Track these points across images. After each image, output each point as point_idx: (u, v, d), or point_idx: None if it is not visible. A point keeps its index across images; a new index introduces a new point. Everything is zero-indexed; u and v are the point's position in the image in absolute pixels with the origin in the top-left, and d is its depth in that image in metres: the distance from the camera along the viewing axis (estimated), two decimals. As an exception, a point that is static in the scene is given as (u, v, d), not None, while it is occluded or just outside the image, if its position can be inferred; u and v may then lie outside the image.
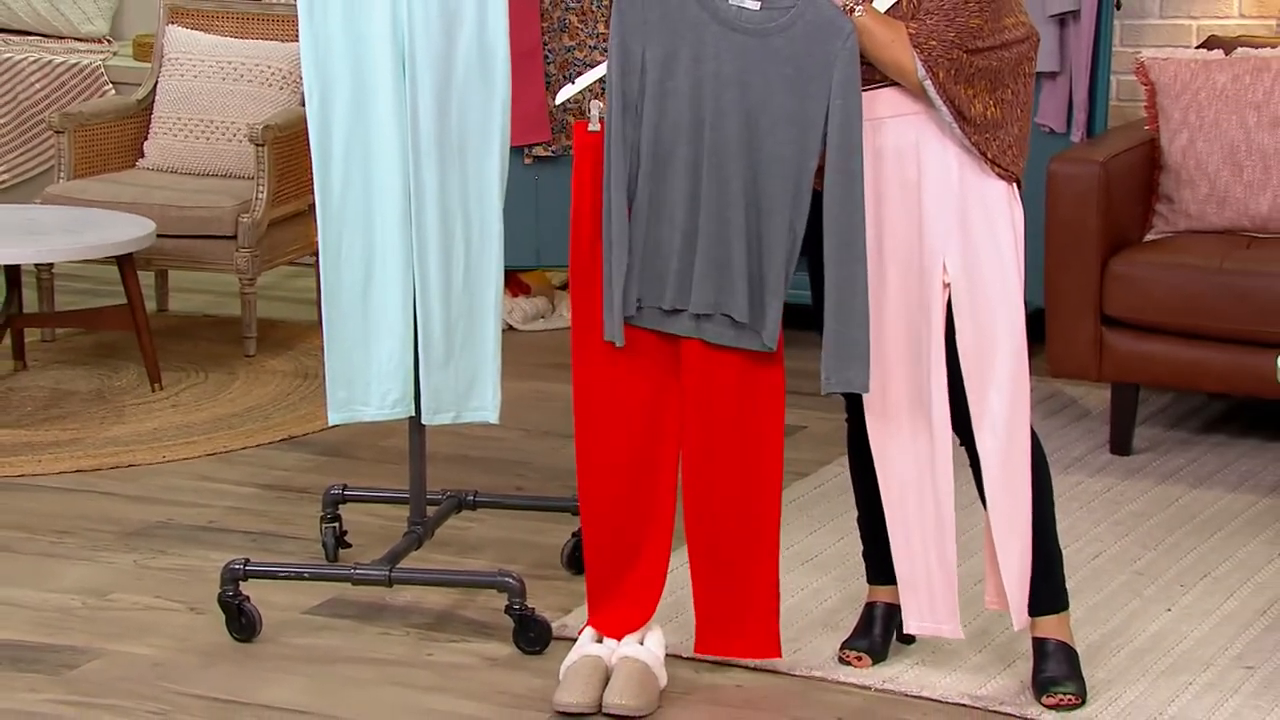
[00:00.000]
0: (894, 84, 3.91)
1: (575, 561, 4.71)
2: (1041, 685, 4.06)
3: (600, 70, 4.02)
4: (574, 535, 4.72)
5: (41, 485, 5.30)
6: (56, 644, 4.35)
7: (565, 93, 4.12)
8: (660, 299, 3.98)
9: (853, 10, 3.85)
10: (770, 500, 4.06)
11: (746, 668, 4.23)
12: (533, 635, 4.31)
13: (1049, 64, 6.03)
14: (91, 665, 4.25)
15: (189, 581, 4.67)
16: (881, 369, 3.97)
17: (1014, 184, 3.94)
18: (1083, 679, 4.07)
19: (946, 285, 3.94)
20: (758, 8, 3.86)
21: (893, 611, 4.23)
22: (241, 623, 4.36)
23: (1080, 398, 6.01)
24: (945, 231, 3.92)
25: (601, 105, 3.96)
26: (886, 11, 3.88)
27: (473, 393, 4.40)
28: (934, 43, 3.82)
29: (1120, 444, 5.54)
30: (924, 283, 3.96)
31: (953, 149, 3.91)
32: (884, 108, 3.92)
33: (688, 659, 4.25)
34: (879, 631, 4.23)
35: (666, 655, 4.19)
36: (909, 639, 4.27)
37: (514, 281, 6.84)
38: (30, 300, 6.52)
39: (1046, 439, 5.38)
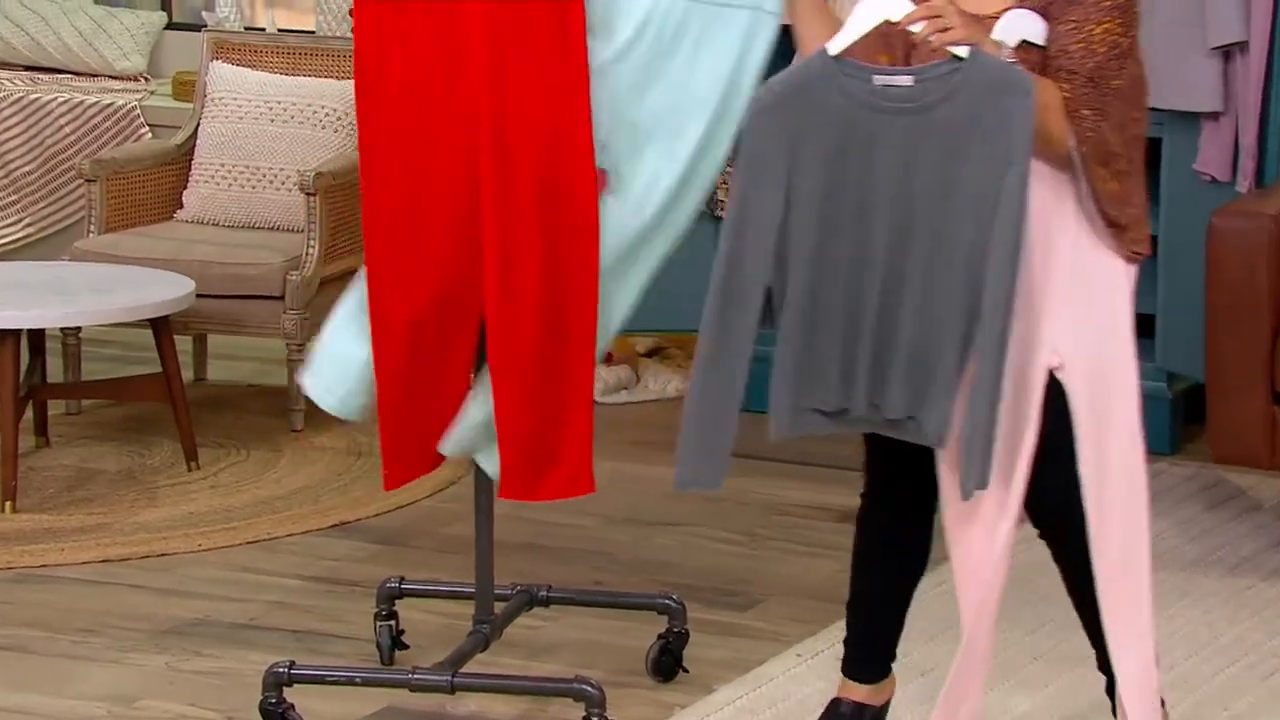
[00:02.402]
0: None
1: (662, 667, 4.62)
2: None
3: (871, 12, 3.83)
4: (660, 638, 4.63)
5: (64, 577, 5.24)
6: (75, 760, 4.32)
7: (839, 42, 3.83)
8: (825, 401, 3.90)
9: None
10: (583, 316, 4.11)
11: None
12: (614, 752, 4.23)
13: (1211, 103, 5.88)
14: (115, 786, 4.23)
15: (226, 687, 4.59)
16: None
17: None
18: None
19: (1052, 369, 3.88)
20: (911, 83, 3.77)
21: (860, 711, 4.16)
22: (286, 735, 4.31)
23: (1249, 488, 5.84)
24: (1060, 310, 3.87)
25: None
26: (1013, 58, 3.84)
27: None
28: (1086, 112, 3.81)
29: (1297, 543, 5.38)
30: (1028, 363, 3.87)
31: (1073, 221, 3.87)
32: None
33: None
34: None
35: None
36: None
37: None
38: (55, 368, 6.40)
39: (1210, 534, 5.50)
